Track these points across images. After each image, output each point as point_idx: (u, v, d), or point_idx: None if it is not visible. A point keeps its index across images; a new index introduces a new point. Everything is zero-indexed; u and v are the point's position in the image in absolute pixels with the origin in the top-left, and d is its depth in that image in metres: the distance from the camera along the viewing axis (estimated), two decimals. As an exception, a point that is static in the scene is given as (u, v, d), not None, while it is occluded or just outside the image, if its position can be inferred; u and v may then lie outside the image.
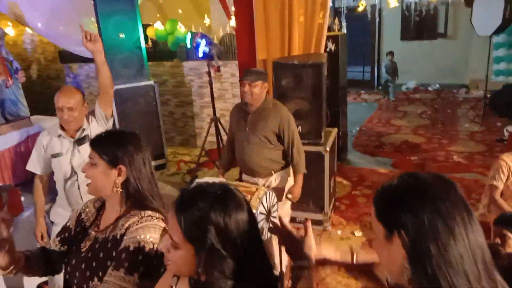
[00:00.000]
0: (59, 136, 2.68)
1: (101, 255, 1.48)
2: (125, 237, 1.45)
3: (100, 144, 1.56)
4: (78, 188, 2.65)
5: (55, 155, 2.69)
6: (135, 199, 1.55)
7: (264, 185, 3.16)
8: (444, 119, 7.89)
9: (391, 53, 9.56)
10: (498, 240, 2.48)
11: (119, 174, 1.53)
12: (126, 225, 1.48)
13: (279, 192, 3.10)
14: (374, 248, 1.09)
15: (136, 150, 1.57)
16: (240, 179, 3.44)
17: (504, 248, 2.47)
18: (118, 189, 1.54)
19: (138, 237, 1.43)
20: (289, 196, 3.26)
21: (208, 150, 6.02)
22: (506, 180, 3.02)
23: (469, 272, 0.92)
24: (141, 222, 1.47)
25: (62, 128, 2.68)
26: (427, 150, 6.23)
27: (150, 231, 1.46)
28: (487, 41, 7.63)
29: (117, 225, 1.52)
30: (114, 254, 1.46)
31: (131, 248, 1.41)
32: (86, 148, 2.32)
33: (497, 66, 9.20)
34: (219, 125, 5.54)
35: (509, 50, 9.07)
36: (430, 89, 10.35)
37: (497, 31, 7.20)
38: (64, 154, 2.68)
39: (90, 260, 1.49)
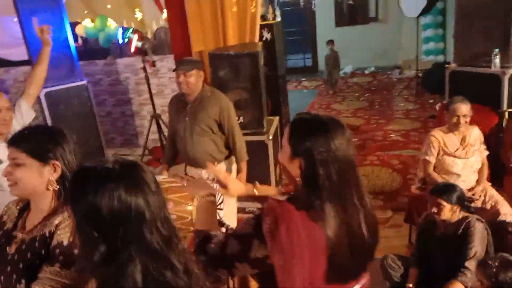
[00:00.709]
0: None
1: (29, 255, 1.41)
2: (57, 233, 1.40)
3: (26, 141, 1.45)
4: None
5: None
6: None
7: (208, 177, 3.13)
8: (381, 100, 8.18)
9: (331, 42, 9.03)
10: (434, 209, 2.61)
11: (54, 171, 1.46)
12: (56, 222, 1.42)
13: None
14: (280, 160, 1.43)
15: (65, 142, 1.49)
16: (185, 173, 3.38)
17: (440, 216, 2.60)
18: (54, 186, 1.46)
19: (71, 231, 1.39)
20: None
21: (152, 148, 5.88)
22: (437, 154, 3.17)
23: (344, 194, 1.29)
24: (70, 217, 1.41)
25: None
26: (367, 131, 6.43)
27: None
28: (416, 22, 7.95)
29: (46, 224, 1.44)
30: (43, 252, 1.40)
31: (65, 243, 1.37)
32: None
33: (426, 46, 9.62)
34: (161, 121, 5.42)
35: (436, 30, 9.50)
36: (366, 72, 10.69)
37: (423, 12, 7.53)
38: (5, 160, 2.50)
39: (17, 263, 1.42)
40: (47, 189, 1.46)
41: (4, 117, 2.46)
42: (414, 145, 5.59)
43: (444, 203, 2.57)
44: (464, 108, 3.07)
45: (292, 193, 1.41)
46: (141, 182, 1.05)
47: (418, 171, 3.45)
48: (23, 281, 1.39)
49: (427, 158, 3.20)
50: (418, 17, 7.75)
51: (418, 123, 6.59)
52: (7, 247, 1.47)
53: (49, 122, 4.92)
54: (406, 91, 8.33)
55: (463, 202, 2.66)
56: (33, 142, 1.45)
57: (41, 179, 1.45)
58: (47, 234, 1.42)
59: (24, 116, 2.70)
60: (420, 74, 8.25)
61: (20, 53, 5.55)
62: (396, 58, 10.46)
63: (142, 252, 1.01)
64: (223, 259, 1.33)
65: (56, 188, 1.48)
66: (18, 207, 1.58)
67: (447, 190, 2.61)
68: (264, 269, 1.30)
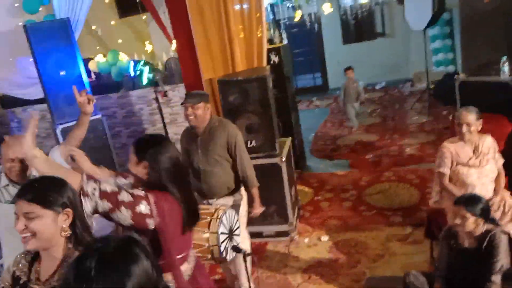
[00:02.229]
0: (7, 186, 2.59)
1: None
2: None
3: (38, 193, 1.47)
4: None
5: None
6: (81, 238, 1.51)
7: (221, 205, 3.14)
8: (394, 115, 8.14)
9: (349, 70, 7.59)
10: (458, 221, 2.56)
11: (67, 218, 1.49)
12: None
13: (236, 210, 3.09)
14: (129, 164, 2.11)
15: (70, 189, 1.53)
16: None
17: (463, 227, 2.56)
18: (67, 233, 1.49)
19: None
20: (252, 213, 3.27)
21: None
22: (451, 165, 3.13)
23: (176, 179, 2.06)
24: None
25: (10, 179, 2.60)
26: (381, 147, 6.39)
27: None
28: (423, 35, 7.97)
29: (63, 271, 1.45)
30: None
31: None
32: None
33: (436, 57, 9.61)
34: (175, 150, 5.48)
35: (444, 41, 9.50)
36: (377, 87, 10.67)
37: (430, 24, 7.55)
38: None
39: None
40: (61, 236, 1.49)
41: (17, 165, 2.55)
42: (430, 158, 5.51)
43: (468, 215, 2.52)
44: (467, 116, 3.03)
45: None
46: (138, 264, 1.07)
47: (434, 184, 3.40)
48: None
49: (441, 170, 3.16)
50: (425, 29, 7.76)
51: (433, 135, 6.53)
52: None
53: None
54: (418, 104, 8.28)
55: (488, 214, 2.60)
56: (46, 193, 1.47)
57: (56, 228, 1.47)
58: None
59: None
60: (432, 86, 8.21)
61: (36, 92, 5.72)
62: (407, 72, 10.43)
63: None
64: (115, 197, 1.85)
65: (69, 235, 1.50)
66: (27, 259, 1.58)
67: (471, 201, 2.57)
68: (139, 225, 1.89)
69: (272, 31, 6.08)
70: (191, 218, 2.14)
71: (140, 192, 1.95)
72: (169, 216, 1.98)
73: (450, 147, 3.13)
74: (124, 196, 1.87)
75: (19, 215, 1.46)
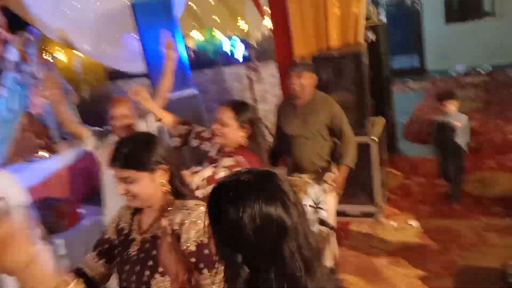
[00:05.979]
0: None
1: (154, 252, 1.51)
2: (183, 236, 1.46)
3: (130, 159, 1.51)
4: None
5: None
6: (180, 191, 1.60)
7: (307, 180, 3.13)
8: (499, 100, 7.49)
9: (451, 99, 4.25)
10: None
11: (164, 173, 1.56)
12: (178, 220, 1.50)
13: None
14: (226, 133, 2.24)
15: (161, 144, 1.57)
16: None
17: None
18: (167, 187, 1.56)
19: (197, 232, 1.46)
20: (330, 182, 3.18)
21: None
22: None
23: None
24: (190, 214, 1.50)
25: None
26: (482, 133, 5.92)
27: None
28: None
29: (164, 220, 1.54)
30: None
31: (194, 249, 1.44)
32: None
33: (552, 39, 8.65)
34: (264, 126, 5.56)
35: None
36: (481, 71, 9.85)
37: (549, 2, 6.78)
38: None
39: (145, 260, 1.51)
40: (162, 192, 1.56)
41: (120, 123, 2.76)
42: (540, 146, 5.04)
43: None
44: None
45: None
46: (279, 192, 0.98)
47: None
48: (156, 275, 1.48)
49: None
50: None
51: (544, 123, 5.93)
52: (129, 250, 1.57)
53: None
54: (529, 89, 7.53)
55: None
56: (137, 157, 1.51)
57: (155, 186, 1.54)
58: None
59: (149, 126, 2.98)
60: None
61: (138, 66, 6.11)
62: (517, 55, 9.50)
63: (279, 276, 0.93)
64: (213, 179, 2.05)
65: (169, 189, 1.57)
66: (129, 211, 1.67)
67: None
68: None
69: (370, 9, 5.84)
70: None
71: (230, 162, 2.12)
72: None
73: None
74: (221, 174, 2.07)
75: (119, 179, 1.52)
